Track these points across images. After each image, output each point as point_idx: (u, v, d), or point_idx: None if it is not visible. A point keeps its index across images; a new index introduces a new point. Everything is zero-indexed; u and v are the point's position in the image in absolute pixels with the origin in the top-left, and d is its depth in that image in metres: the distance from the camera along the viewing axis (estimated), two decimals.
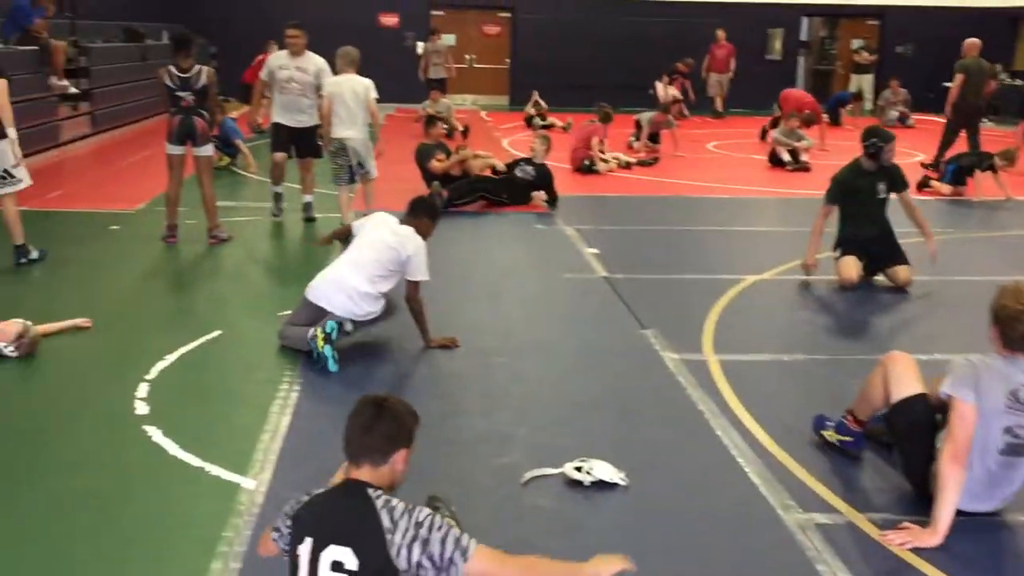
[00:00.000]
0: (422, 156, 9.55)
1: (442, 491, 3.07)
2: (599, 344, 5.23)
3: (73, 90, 12.00)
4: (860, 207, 6.45)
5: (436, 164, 9.36)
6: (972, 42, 12.15)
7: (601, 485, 3.42)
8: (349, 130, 7.42)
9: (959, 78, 11.93)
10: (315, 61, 7.88)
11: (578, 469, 3.46)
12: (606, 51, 19.92)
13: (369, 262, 4.83)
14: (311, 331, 4.65)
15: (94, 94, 12.89)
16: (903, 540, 3.08)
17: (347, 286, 4.79)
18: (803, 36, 21.98)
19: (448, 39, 19.00)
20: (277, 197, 8.16)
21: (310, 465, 3.63)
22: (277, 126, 8.02)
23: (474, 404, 4.36)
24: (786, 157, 12.10)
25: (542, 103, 16.44)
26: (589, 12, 20.07)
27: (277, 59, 8.01)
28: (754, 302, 6.08)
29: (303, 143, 8.02)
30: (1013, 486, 3.20)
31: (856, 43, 21.03)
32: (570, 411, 4.25)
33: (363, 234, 5.02)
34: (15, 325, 4.72)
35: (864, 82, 19.92)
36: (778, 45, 21.07)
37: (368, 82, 7.46)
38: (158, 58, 12.97)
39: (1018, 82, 19.32)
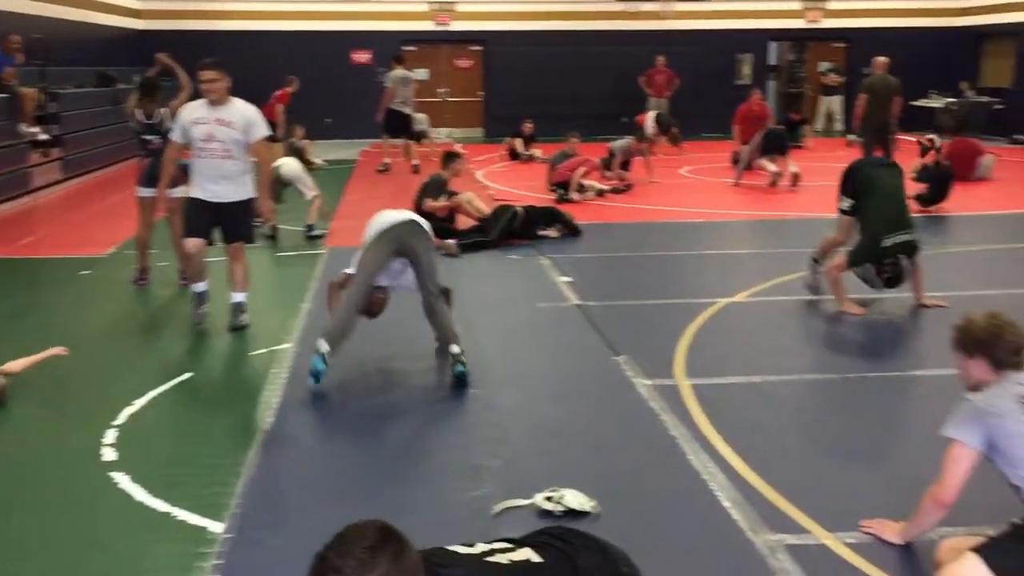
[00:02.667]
0: (430, 189, 9.27)
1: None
2: (572, 372, 5.23)
3: (43, 136, 11.99)
4: None
5: (430, 203, 9.18)
6: (879, 60, 12.42)
7: (572, 515, 3.40)
8: None
9: (863, 96, 12.19)
10: (242, 111, 5.89)
11: (548, 499, 3.45)
12: (578, 81, 20.12)
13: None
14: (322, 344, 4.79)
15: (65, 140, 12.88)
16: (870, 526, 3.24)
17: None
18: (772, 60, 22.27)
19: (421, 73, 19.10)
20: (199, 299, 6.13)
21: (279, 507, 3.60)
22: (192, 202, 6.01)
23: (447, 437, 4.35)
24: (772, 168, 12.37)
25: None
26: (560, 43, 20.30)
27: (191, 111, 5.96)
28: (726, 325, 6.10)
29: (230, 223, 6.01)
30: None
31: (824, 65, 21.32)
32: (543, 441, 4.24)
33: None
34: None
35: (834, 103, 20.20)
36: (747, 70, 21.32)
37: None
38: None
39: (984, 98, 19.63)
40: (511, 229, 8.73)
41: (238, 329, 5.98)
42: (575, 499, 3.43)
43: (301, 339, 5.64)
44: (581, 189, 11.40)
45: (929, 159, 10.45)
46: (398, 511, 3.25)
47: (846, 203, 6.40)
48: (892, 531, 3.21)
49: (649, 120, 16.73)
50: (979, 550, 2.73)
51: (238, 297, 6.07)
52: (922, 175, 10.91)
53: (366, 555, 1.74)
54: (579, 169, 11.51)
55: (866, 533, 3.25)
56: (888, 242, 6.05)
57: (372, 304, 5.19)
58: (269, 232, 8.72)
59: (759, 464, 3.86)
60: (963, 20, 21.11)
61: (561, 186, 11.39)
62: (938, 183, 10.36)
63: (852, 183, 6.37)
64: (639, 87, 19.10)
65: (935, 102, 19.59)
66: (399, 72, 14.73)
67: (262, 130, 5.97)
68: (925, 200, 10.13)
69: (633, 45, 20.20)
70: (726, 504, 3.53)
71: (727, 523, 3.40)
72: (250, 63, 18.92)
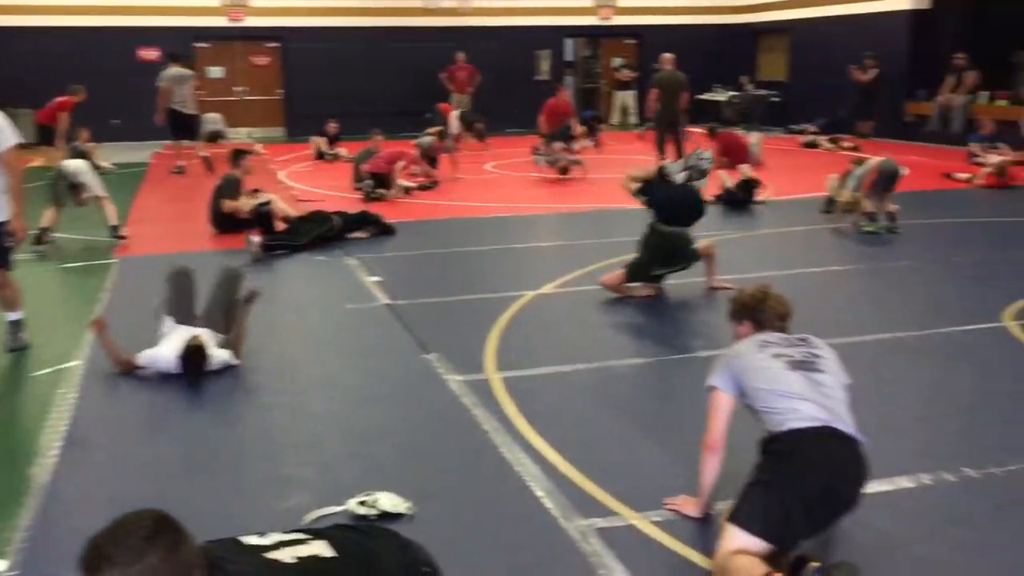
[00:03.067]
0: (225, 190, 9.02)
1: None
2: (382, 373, 5.18)
3: None
4: None
5: (229, 204, 8.87)
6: (667, 56, 13.14)
7: (386, 517, 3.36)
8: None
9: (654, 91, 12.86)
10: None
11: (362, 504, 3.40)
12: (380, 79, 19.98)
13: None
14: None
15: None
16: (672, 503, 3.41)
17: None
18: (568, 57, 22.90)
19: (215, 71, 18.36)
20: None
21: (71, 539, 3.36)
22: None
23: (255, 447, 4.20)
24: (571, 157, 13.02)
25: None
26: (359, 40, 20.04)
27: None
28: (534, 317, 6.22)
29: None
30: (839, 402, 3.20)
31: (617, 61, 22.13)
32: (356, 445, 4.17)
33: None
34: None
35: (628, 98, 21.00)
36: (546, 66, 21.83)
37: None
38: None
39: (762, 91, 20.98)
40: (324, 237, 8.53)
41: (18, 350, 5.52)
42: (389, 502, 3.40)
43: (91, 356, 5.30)
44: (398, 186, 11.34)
45: (734, 176, 10.86)
46: (207, 526, 3.09)
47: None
48: (692, 506, 3.38)
49: (453, 118, 16.84)
50: (732, 518, 2.94)
51: (12, 316, 5.58)
52: (721, 198, 11.28)
53: (140, 544, 1.67)
54: (398, 163, 11.43)
55: (669, 510, 3.40)
56: (659, 271, 6.60)
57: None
58: (37, 244, 8.09)
59: (570, 451, 3.95)
60: (741, 17, 22.46)
61: (375, 178, 11.24)
62: (740, 201, 10.67)
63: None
64: (441, 83, 19.18)
65: (719, 95, 20.76)
66: (174, 71, 13.96)
67: (10, 137, 5.32)
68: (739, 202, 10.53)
69: (433, 41, 20.24)
70: (539, 494, 3.59)
71: (540, 512, 3.46)
72: (25, 62, 17.72)
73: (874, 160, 9.08)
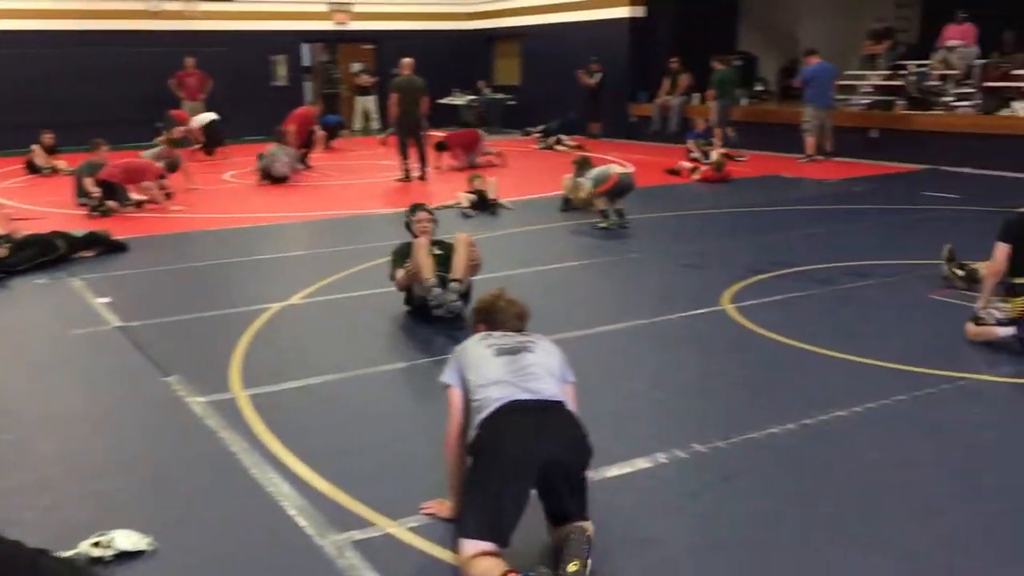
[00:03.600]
0: None
1: None
2: (117, 402, 4.84)
3: None
4: None
5: None
6: (405, 61, 13.39)
7: (125, 557, 3.14)
8: None
9: (394, 96, 13.08)
10: None
11: (96, 545, 3.15)
12: (101, 85, 18.61)
13: None
14: None
15: None
16: (428, 507, 3.44)
17: None
18: (306, 62, 22.48)
19: None
20: None
21: None
22: None
23: None
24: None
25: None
26: (75, 44, 18.56)
27: None
28: (282, 330, 6.05)
29: None
30: (538, 377, 3.29)
31: (356, 66, 21.99)
32: (90, 482, 3.86)
33: None
34: None
35: (368, 103, 20.92)
36: (283, 71, 21.31)
37: None
38: None
39: (499, 95, 21.62)
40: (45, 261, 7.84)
41: None
42: (126, 540, 3.17)
43: None
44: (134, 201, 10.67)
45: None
46: None
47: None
48: (447, 508, 3.40)
49: (195, 124, 16.24)
50: (456, 527, 3.09)
51: None
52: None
53: None
54: (145, 179, 10.78)
55: (426, 515, 3.42)
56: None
57: None
58: None
59: (324, 466, 3.87)
60: (476, 23, 23.03)
61: (107, 188, 10.47)
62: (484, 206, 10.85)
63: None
64: (170, 90, 18.23)
65: (459, 100, 21.17)
66: None
67: None
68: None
69: (159, 46, 19.15)
70: (292, 512, 3.49)
71: (294, 531, 3.36)
72: None
73: (615, 169, 9.60)
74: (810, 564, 3.10)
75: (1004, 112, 13.41)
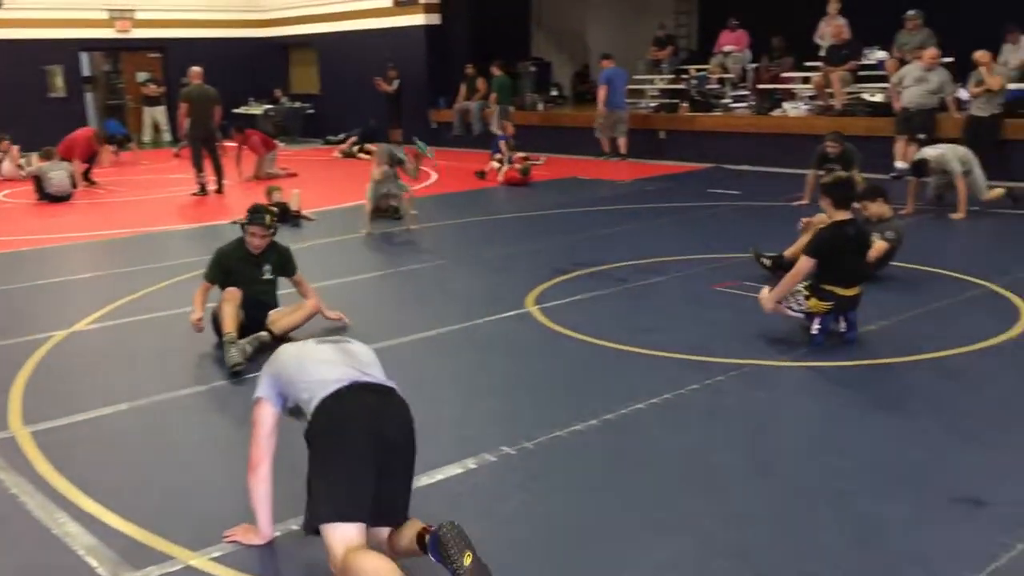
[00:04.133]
0: None
1: None
2: None
3: None
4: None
5: None
6: (195, 70, 13.01)
7: None
8: None
9: (184, 106, 12.68)
10: None
11: None
12: None
13: None
14: None
15: None
16: (232, 535, 3.29)
17: None
18: (86, 72, 21.21)
19: None
20: None
21: None
22: None
23: None
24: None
25: None
26: None
27: None
28: (68, 358, 5.68)
29: None
30: (369, 364, 3.27)
31: (142, 76, 20.96)
32: None
33: None
34: None
35: (158, 114, 20.00)
36: (60, 82, 20.00)
37: None
38: None
39: (297, 104, 21.20)
40: None
41: None
42: None
43: None
44: None
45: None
46: None
47: None
48: (254, 533, 3.30)
49: None
50: (309, 522, 2.94)
51: None
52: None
53: None
54: None
55: (230, 542, 3.30)
56: None
57: None
58: None
59: (116, 501, 3.66)
60: (270, 31, 22.47)
61: None
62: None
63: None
64: None
65: (255, 109, 20.59)
66: None
67: None
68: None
69: None
70: (81, 552, 3.28)
71: (87, 573, 3.16)
72: None
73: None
74: (614, 551, 3.22)
75: (776, 112, 14.43)
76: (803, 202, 9.96)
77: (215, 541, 3.32)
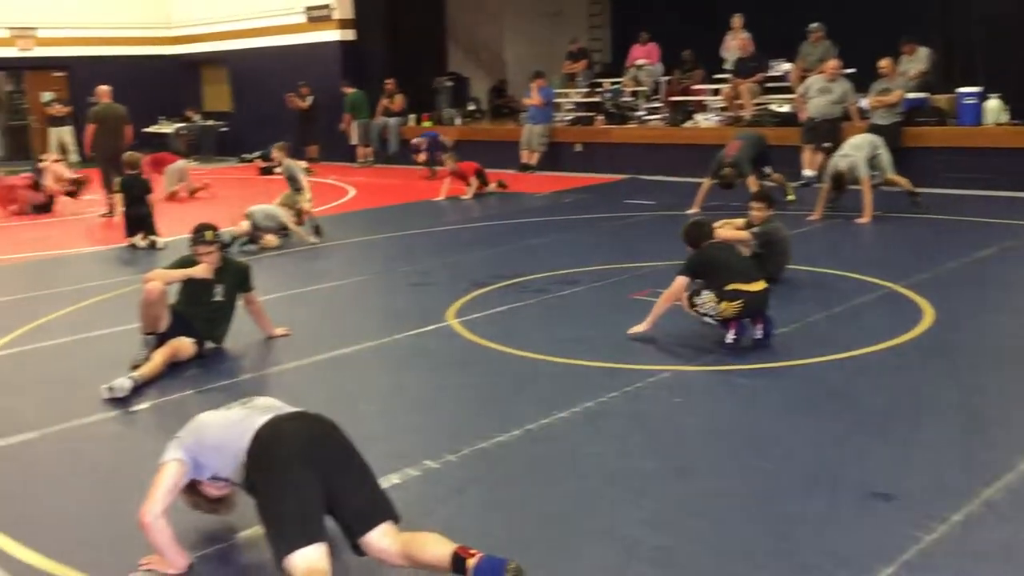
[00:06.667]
0: None
1: None
2: None
3: None
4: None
5: None
6: (102, 89, 12.80)
7: None
8: None
9: (91, 127, 12.44)
10: None
11: None
12: None
13: None
14: None
15: None
16: (149, 563, 3.23)
17: None
18: None
19: None
20: None
21: None
22: None
23: None
24: None
25: None
26: None
27: None
28: None
29: None
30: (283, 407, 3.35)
31: (47, 96, 20.35)
32: None
33: None
34: None
35: (64, 134, 19.42)
36: None
37: None
38: None
39: (210, 122, 20.84)
40: None
41: None
42: None
43: None
44: None
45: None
46: None
47: None
48: (167, 562, 3.22)
49: None
50: (277, 560, 2.91)
51: None
52: None
53: None
54: None
55: (146, 571, 3.21)
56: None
57: None
58: None
59: (27, 535, 3.53)
60: (178, 48, 22.04)
61: None
62: None
63: None
64: None
65: (166, 127, 20.17)
66: None
67: None
68: None
69: None
70: None
71: None
72: None
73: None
74: (539, 562, 3.23)
75: (688, 124, 14.73)
76: (693, 210, 10.24)
77: (131, 569, 3.23)
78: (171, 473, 3.19)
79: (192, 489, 3.32)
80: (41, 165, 13.60)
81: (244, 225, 9.48)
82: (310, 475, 2.96)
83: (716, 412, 4.77)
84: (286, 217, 9.77)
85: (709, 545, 3.33)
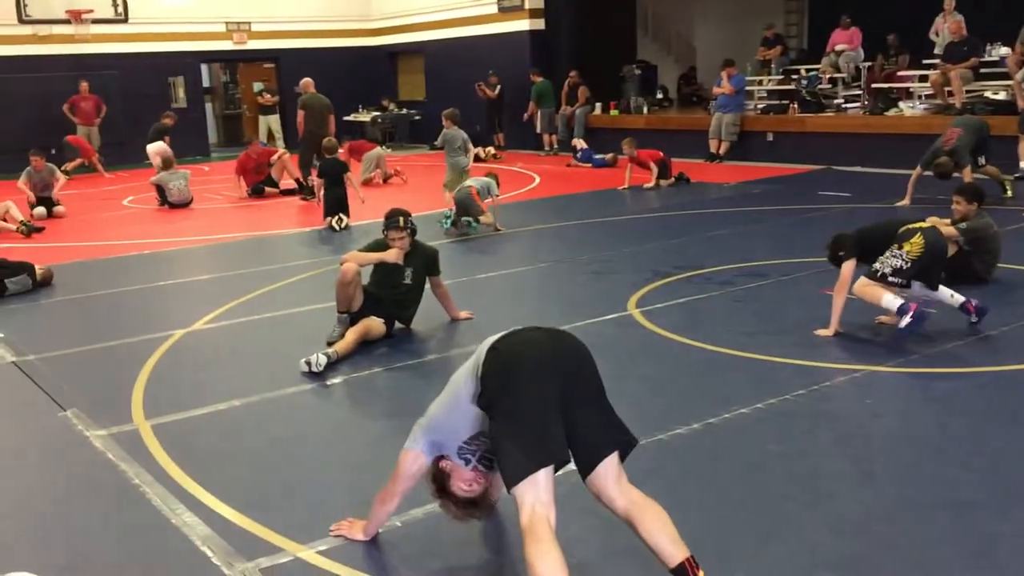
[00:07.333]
0: None
1: None
2: (13, 440, 4.68)
3: None
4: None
5: None
6: (306, 81, 13.40)
7: None
8: None
9: (301, 113, 13.08)
10: None
11: None
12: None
13: None
14: None
15: None
16: (338, 529, 3.39)
17: None
18: (206, 83, 22.08)
19: None
20: None
21: None
22: None
23: None
24: None
25: None
26: None
27: None
28: (186, 357, 5.93)
29: None
30: None
31: (257, 86, 21.70)
32: None
33: None
34: None
35: (272, 122, 20.65)
36: (182, 93, 20.88)
37: None
38: None
39: (405, 111, 21.59)
40: None
41: None
42: None
43: None
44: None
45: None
46: None
47: None
48: (358, 529, 3.38)
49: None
50: (507, 484, 2.74)
51: None
52: None
53: None
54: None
55: (336, 536, 3.39)
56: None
57: None
58: None
59: (230, 493, 3.81)
60: (377, 40, 22.95)
61: None
62: None
63: None
64: (64, 115, 17.71)
65: (364, 116, 21.08)
66: None
67: None
68: None
69: (49, 70, 18.58)
70: (197, 542, 3.42)
71: (202, 562, 3.30)
72: None
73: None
74: (716, 562, 3.17)
75: (892, 112, 13.96)
76: (904, 202, 9.76)
77: (322, 534, 3.42)
78: (406, 463, 3.13)
79: (443, 492, 3.11)
80: (273, 158, 13.77)
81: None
82: (551, 390, 2.77)
83: (910, 416, 4.52)
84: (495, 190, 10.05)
85: (898, 555, 3.17)
